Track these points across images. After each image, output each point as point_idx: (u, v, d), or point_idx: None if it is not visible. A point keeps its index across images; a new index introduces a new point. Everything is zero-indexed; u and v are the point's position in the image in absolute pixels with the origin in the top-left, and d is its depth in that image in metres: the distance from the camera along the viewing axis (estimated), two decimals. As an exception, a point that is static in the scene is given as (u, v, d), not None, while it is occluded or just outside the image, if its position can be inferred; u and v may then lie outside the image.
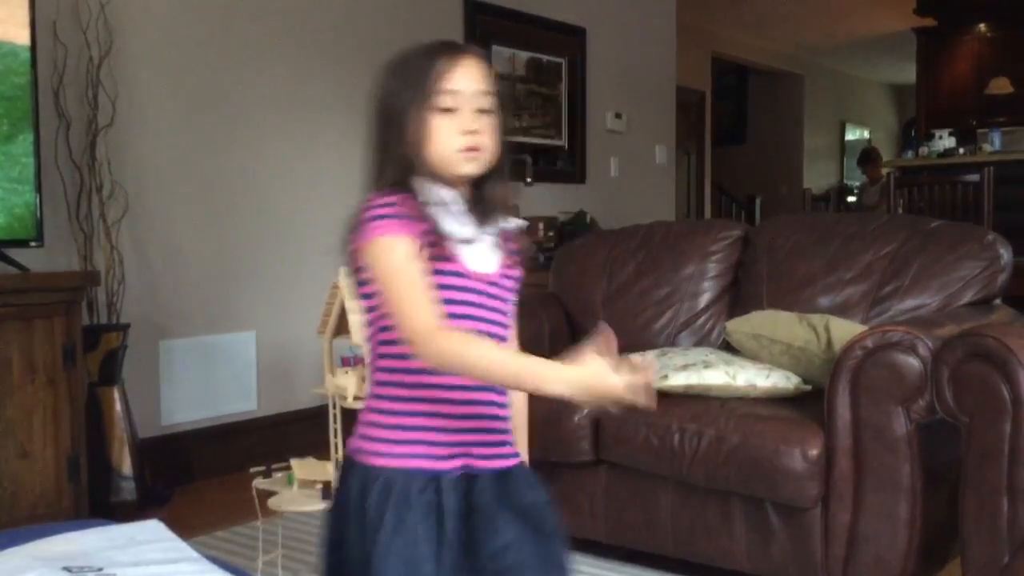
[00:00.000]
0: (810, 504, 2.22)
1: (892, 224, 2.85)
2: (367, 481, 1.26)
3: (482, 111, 1.27)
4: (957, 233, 2.71)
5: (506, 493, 1.28)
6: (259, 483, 2.16)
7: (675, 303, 3.07)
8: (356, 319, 2.06)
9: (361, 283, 1.29)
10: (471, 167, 1.27)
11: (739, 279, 3.05)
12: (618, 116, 5.76)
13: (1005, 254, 2.63)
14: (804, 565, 2.26)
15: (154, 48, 3.49)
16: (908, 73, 9.73)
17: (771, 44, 9.93)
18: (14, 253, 2.85)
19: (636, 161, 5.95)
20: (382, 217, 1.21)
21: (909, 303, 2.62)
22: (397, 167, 1.26)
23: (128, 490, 3.11)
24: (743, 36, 9.36)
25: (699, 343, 2.98)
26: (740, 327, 2.63)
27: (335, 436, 2.15)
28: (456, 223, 1.26)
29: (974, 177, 5.02)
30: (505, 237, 1.32)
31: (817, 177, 10.80)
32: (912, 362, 2.09)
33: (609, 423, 2.49)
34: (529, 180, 4.83)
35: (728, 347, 2.76)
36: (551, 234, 4.68)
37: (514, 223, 1.35)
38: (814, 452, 2.19)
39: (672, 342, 3.00)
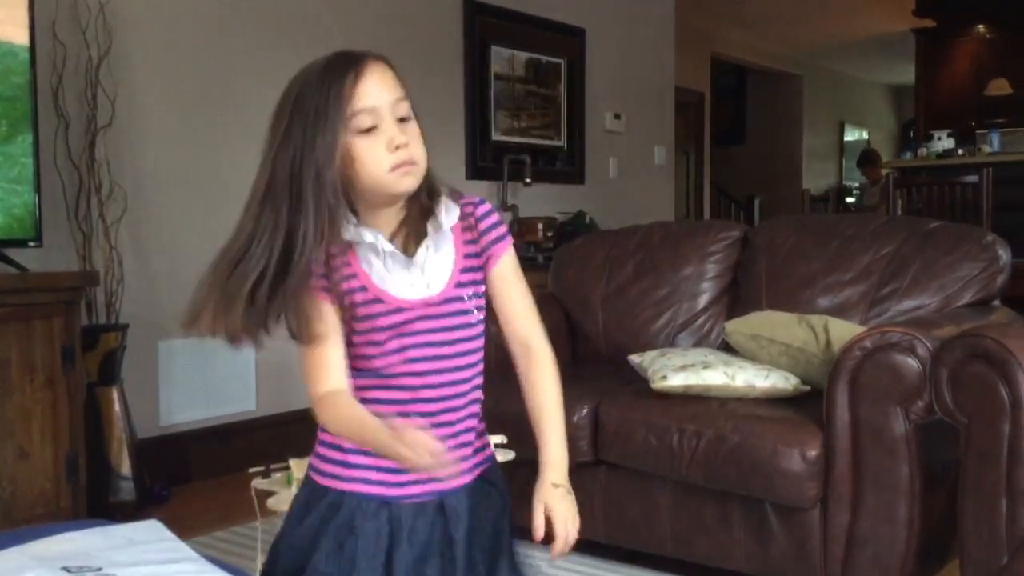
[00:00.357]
0: (809, 505, 2.22)
1: (891, 225, 2.85)
2: (313, 499, 1.24)
3: (403, 120, 1.17)
4: (956, 234, 2.72)
5: (478, 519, 1.25)
6: (258, 483, 2.16)
7: (674, 304, 3.07)
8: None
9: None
10: (408, 182, 1.17)
11: (738, 280, 3.05)
12: (617, 117, 5.76)
13: (1004, 255, 2.63)
14: (803, 566, 2.26)
15: (153, 48, 3.49)
16: (907, 74, 9.74)
17: (770, 45, 9.93)
18: (13, 253, 2.85)
19: (635, 162, 5.95)
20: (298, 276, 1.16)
21: (908, 304, 2.62)
22: (322, 200, 1.14)
23: (127, 490, 3.11)
24: (742, 37, 9.37)
25: (698, 344, 2.98)
26: (739, 328, 2.63)
27: (334, 436, 2.15)
28: (384, 258, 1.19)
29: (973, 178, 5.02)
30: (457, 232, 1.24)
31: (816, 178, 10.81)
32: (911, 363, 2.09)
33: (608, 423, 2.49)
34: (528, 180, 4.83)
35: (727, 348, 2.76)
36: (550, 234, 4.68)
37: (455, 214, 1.24)
38: (813, 453, 2.19)
39: (671, 343, 3.00)
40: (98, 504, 2.95)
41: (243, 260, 1.18)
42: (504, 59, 4.97)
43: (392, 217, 1.22)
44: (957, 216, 4.86)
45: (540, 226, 4.67)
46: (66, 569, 1.27)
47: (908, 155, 8.19)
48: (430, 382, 1.22)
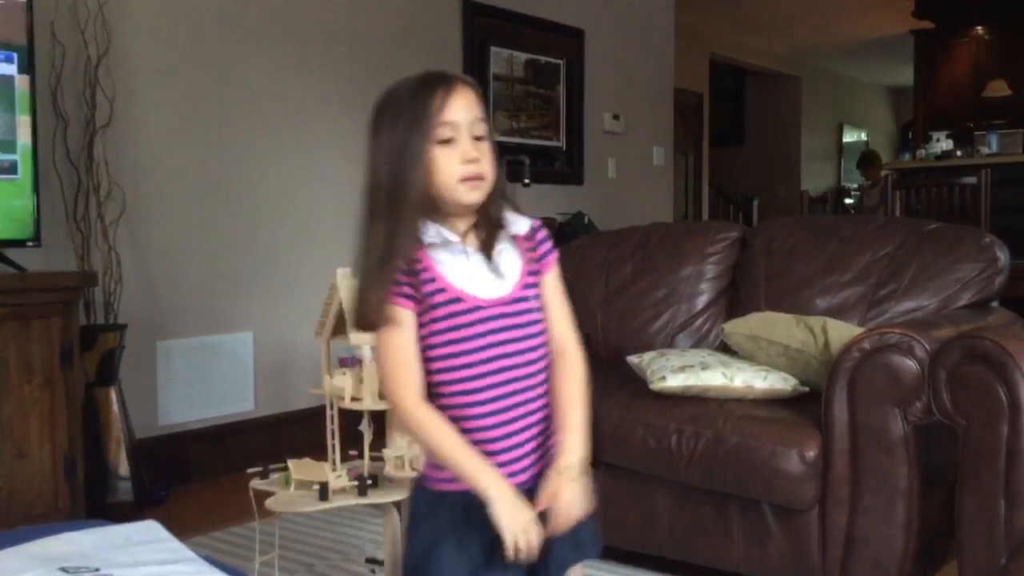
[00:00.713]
0: (807, 506, 2.22)
1: (889, 226, 2.85)
2: (430, 502, 1.35)
3: (478, 138, 1.31)
4: (954, 235, 2.72)
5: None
6: (256, 484, 2.16)
7: (673, 304, 3.07)
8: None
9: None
10: (475, 196, 1.31)
11: (737, 281, 3.05)
12: (616, 117, 5.77)
13: (1002, 256, 2.64)
14: (801, 567, 2.26)
15: (152, 48, 3.49)
16: (906, 75, 9.74)
17: (769, 46, 9.94)
18: (11, 253, 2.84)
19: (634, 162, 5.95)
20: (381, 280, 1.28)
21: (906, 305, 2.62)
22: (409, 210, 1.28)
23: (125, 490, 3.11)
24: (741, 38, 9.37)
25: (697, 344, 2.98)
26: (738, 328, 2.63)
27: (332, 437, 2.15)
28: (461, 259, 1.31)
29: (971, 179, 5.02)
30: (520, 240, 1.37)
31: (815, 179, 10.82)
32: (909, 364, 2.09)
33: (607, 425, 2.49)
34: (527, 181, 4.83)
35: (726, 348, 2.76)
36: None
37: (525, 225, 1.38)
38: (811, 454, 2.19)
39: (670, 343, 3.00)
40: (96, 504, 2.95)
41: (363, 261, 1.32)
42: (503, 60, 4.98)
43: (463, 224, 1.34)
44: (956, 217, 4.86)
45: (539, 227, 4.66)
46: (64, 569, 1.27)
47: (907, 156, 8.20)
48: (508, 377, 1.32)
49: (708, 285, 3.06)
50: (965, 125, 8.11)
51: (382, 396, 2.07)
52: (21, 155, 2.81)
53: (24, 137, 2.81)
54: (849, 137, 11.98)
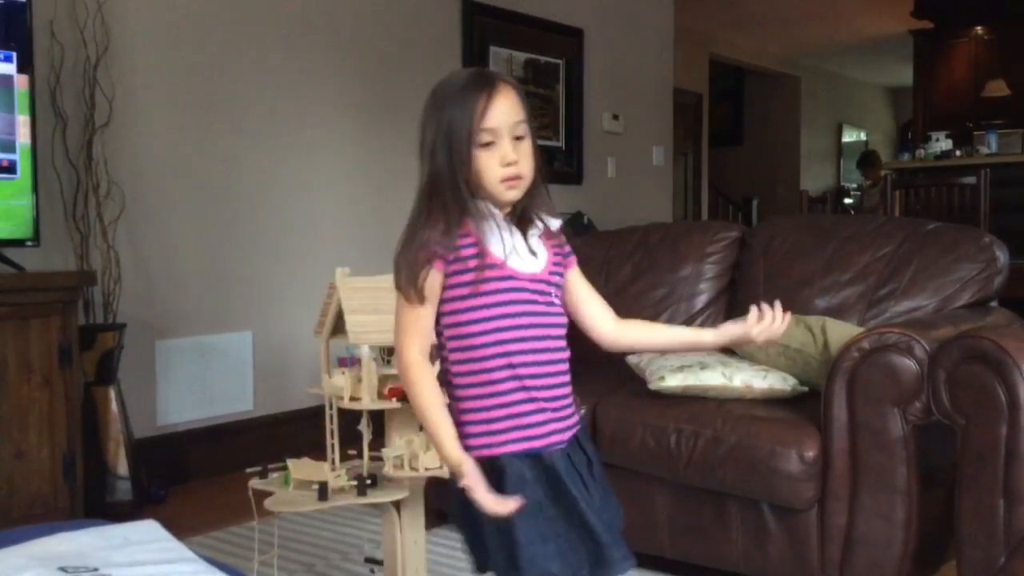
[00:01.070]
0: (806, 505, 2.22)
1: (889, 226, 2.85)
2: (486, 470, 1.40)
3: (518, 138, 1.40)
4: (954, 235, 2.72)
5: (574, 467, 1.44)
6: (255, 483, 2.16)
7: (672, 304, 3.07)
8: (353, 319, 2.05)
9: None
10: (513, 195, 1.41)
11: (736, 280, 3.05)
12: (615, 117, 5.77)
13: (1002, 256, 2.64)
14: (800, 567, 2.26)
15: (151, 47, 3.48)
16: (905, 75, 9.75)
17: (768, 46, 9.94)
18: (10, 253, 2.84)
19: (633, 162, 5.95)
20: (415, 245, 1.37)
21: (906, 305, 2.62)
22: (455, 191, 1.37)
23: (124, 490, 3.11)
24: (740, 38, 9.37)
25: (696, 344, 2.98)
26: (737, 328, 2.62)
27: (332, 436, 2.15)
28: (503, 233, 1.41)
29: (971, 179, 5.02)
30: (548, 236, 1.47)
31: (814, 179, 10.82)
32: (909, 364, 2.09)
33: (606, 424, 2.49)
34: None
35: (725, 348, 2.76)
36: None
37: (554, 222, 1.49)
38: (810, 453, 2.19)
39: (669, 343, 3.00)
40: (95, 504, 2.95)
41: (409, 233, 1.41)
42: (503, 59, 4.98)
43: (503, 210, 1.44)
44: (955, 217, 4.86)
45: (538, 226, 4.66)
46: (63, 569, 1.27)
47: (906, 156, 8.20)
48: (536, 347, 1.40)
49: (707, 285, 3.06)
50: (964, 125, 8.11)
51: (381, 396, 2.07)
52: (20, 154, 2.81)
53: (23, 136, 2.81)
54: (848, 137, 11.98)
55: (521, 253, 1.42)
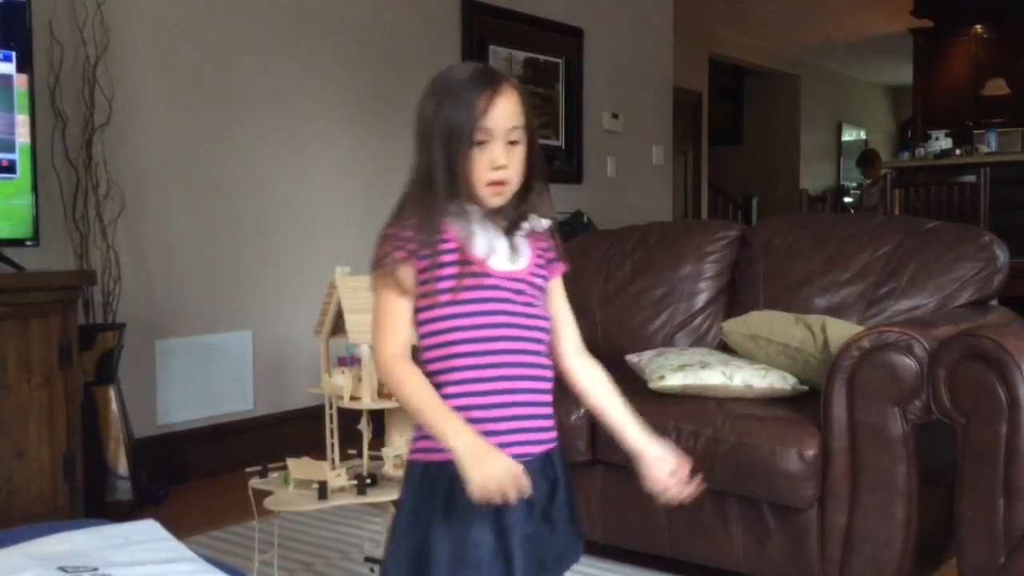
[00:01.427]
0: (806, 505, 2.22)
1: (889, 225, 2.85)
2: (415, 475, 1.36)
3: (512, 143, 1.35)
4: (953, 234, 2.72)
5: (540, 486, 1.37)
6: (255, 483, 2.16)
7: (672, 303, 3.07)
8: (353, 319, 2.05)
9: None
10: (496, 201, 1.36)
11: (736, 279, 3.05)
12: (615, 116, 5.76)
13: (1001, 255, 2.64)
14: (800, 566, 2.26)
15: (150, 47, 3.48)
16: (905, 74, 9.75)
17: (768, 45, 9.94)
18: (10, 252, 2.84)
19: (633, 161, 5.95)
20: (392, 237, 1.33)
21: (905, 304, 2.62)
22: (446, 185, 1.33)
23: (124, 490, 3.11)
24: (740, 37, 9.37)
25: (696, 343, 2.98)
26: (737, 327, 2.63)
27: (331, 436, 2.15)
28: (481, 231, 1.36)
29: (970, 178, 5.02)
30: (535, 238, 1.41)
31: (814, 178, 10.82)
32: (908, 363, 2.09)
33: (606, 423, 2.49)
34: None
35: (725, 347, 2.76)
36: (548, 234, 4.67)
37: (543, 223, 1.43)
38: (810, 453, 2.19)
39: (669, 342, 3.00)
40: (95, 504, 2.95)
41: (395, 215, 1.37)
42: (502, 59, 4.97)
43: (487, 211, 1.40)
44: (955, 216, 4.86)
45: (538, 226, 4.66)
46: (63, 569, 1.27)
47: (906, 155, 8.20)
48: (513, 347, 1.35)
49: (707, 284, 3.06)
50: (964, 124, 8.12)
51: (381, 395, 2.07)
52: (20, 154, 2.81)
53: (23, 136, 2.81)
54: (848, 136, 11.98)
55: (500, 251, 1.37)
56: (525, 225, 1.40)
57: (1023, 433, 1.93)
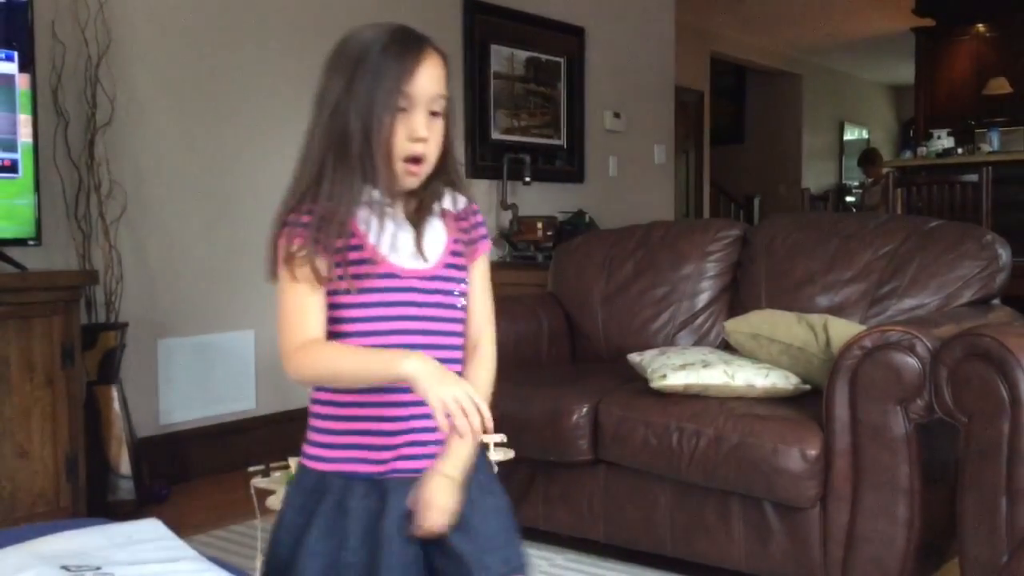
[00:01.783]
0: (808, 504, 2.22)
1: (891, 224, 2.85)
2: (305, 483, 1.29)
3: (434, 113, 1.24)
4: (956, 233, 2.71)
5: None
6: (257, 482, 2.16)
7: (674, 303, 3.07)
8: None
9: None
10: (411, 182, 1.25)
11: (738, 279, 3.05)
12: (617, 116, 5.76)
13: (1004, 254, 2.63)
14: (802, 565, 2.26)
15: (153, 47, 3.48)
16: (907, 73, 9.73)
17: (770, 44, 9.93)
18: (12, 252, 2.84)
19: (635, 161, 5.95)
20: (295, 225, 1.24)
21: (908, 303, 2.62)
22: (362, 160, 1.21)
23: (126, 489, 3.11)
24: (742, 36, 9.37)
25: (698, 343, 2.98)
26: (739, 327, 2.63)
27: (333, 435, 2.14)
28: (387, 223, 1.24)
29: (973, 177, 5.02)
30: (452, 219, 1.31)
31: (816, 177, 10.81)
32: (911, 362, 2.09)
33: (607, 422, 2.49)
34: (528, 180, 4.83)
35: (727, 347, 2.76)
36: (550, 233, 4.68)
37: (460, 203, 1.32)
38: (813, 452, 2.19)
39: (671, 342, 3.00)
40: (97, 503, 2.95)
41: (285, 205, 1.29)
42: (504, 58, 4.97)
43: (399, 193, 1.28)
44: (957, 215, 4.85)
45: (540, 225, 4.67)
46: (65, 568, 1.27)
47: (908, 154, 8.19)
48: (420, 348, 1.23)
49: (709, 283, 3.06)
50: (966, 123, 8.11)
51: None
52: (22, 154, 2.81)
53: (25, 136, 2.81)
54: (850, 135, 11.97)
55: (407, 246, 1.25)
56: (438, 207, 1.29)
57: (1025, 432, 1.92)
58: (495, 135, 4.91)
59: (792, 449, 2.20)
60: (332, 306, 1.25)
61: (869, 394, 2.14)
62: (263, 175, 3.84)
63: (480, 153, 4.83)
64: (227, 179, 3.72)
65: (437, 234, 1.29)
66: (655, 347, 2.89)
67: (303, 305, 1.24)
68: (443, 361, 1.24)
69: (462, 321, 1.30)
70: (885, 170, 7.84)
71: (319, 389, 1.30)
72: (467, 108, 4.78)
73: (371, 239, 1.24)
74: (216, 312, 3.68)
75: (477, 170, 4.81)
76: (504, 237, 4.79)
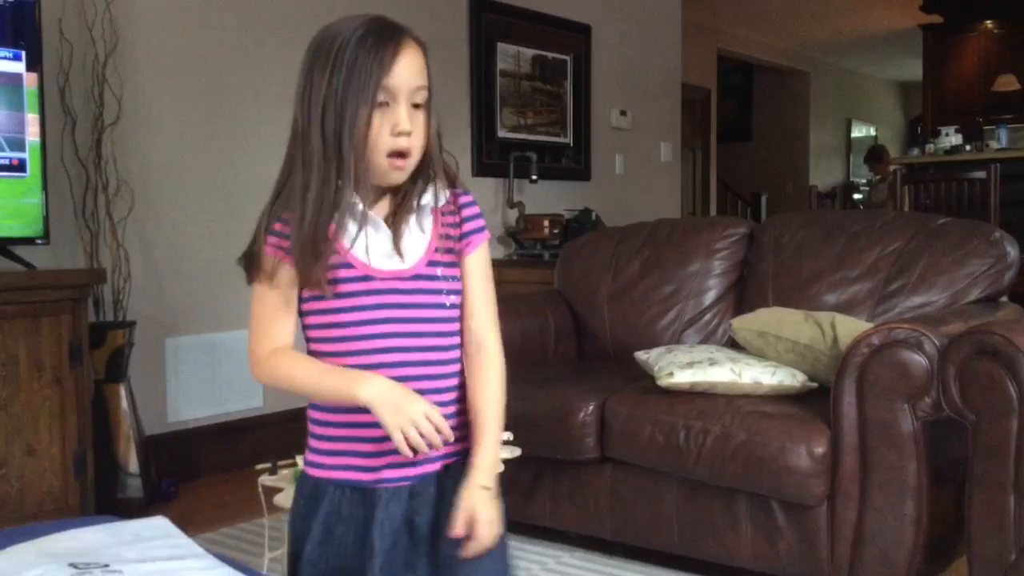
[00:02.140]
0: (816, 502, 2.22)
1: (898, 221, 2.84)
2: (304, 489, 1.29)
3: (416, 106, 1.20)
4: (963, 230, 2.71)
5: (444, 506, 1.25)
6: (265, 480, 2.16)
7: (680, 300, 3.07)
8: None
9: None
10: (396, 177, 1.21)
11: (744, 276, 3.04)
12: (623, 113, 5.76)
13: (1012, 251, 2.63)
14: (810, 563, 2.25)
15: (160, 45, 3.49)
16: (914, 70, 9.71)
17: (776, 41, 9.91)
18: (21, 251, 2.85)
19: (641, 158, 5.94)
20: (270, 232, 1.23)
21: (915, 300, 2.61)
22: (339, 163, 1.18)
23: (134, 487, 3.12)
24: (748, 33, 9.35)
25: (705, 340, 2.98)
26: (746, 324, 2.63)
27: (341, 433, 2.15)
28: (365, 225, 1.21)
29: (980, 174, 5.00)
30: (439, 214, 1.25)
31: (823, 174, 10.79)
32: (918, 359, 2.09)
33: (614, 420, 2.49)
34: (534, 177, 4.83)
35: (734, 344, 2.76)
36: (556, 231, 4.68)
37: (443, 197, 1.25)
38: (820, 450, 2.19)
39: (677, 339, 3.00)
40: (106, 501, 2.96)
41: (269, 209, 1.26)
42: (510, 56, 4.97)
43: (378, 191, 1.25)
44: (965, 212, 4.84)
45: (546, 223, 4.67)
46: (73, 565, 1.28)
47: (915, 151, 8.17)
48: (402, 360, 1.22)
49: (716, 281, 3.06)
50: (974, 120, 8.08)
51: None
52: (30, 153, 2.82)
53: (32, 135, 2.82)
54: (857, 132, 11.94)
55: (385, 247, 1.21)
56: (416, 204, 1.23)
57: (1034, 430, 1.92)
58: (501, 133, 4.91)
59: (799, 447, 2.20)
60: (312, 312, 1.23)
61: (876, 392, 2.13)
62: (271, 173, 3.83)
63: (486, 151, 4.83)
64: (235, 177, 3.72)
65: (417, 232, 1.24)
66: (662, 345, 2.89)
67: (273, 313, 1.23)
68: (435, 363, 1.23)
69: (454, 320, 1.27)
70: (892, 167, 7.81)
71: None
72: (473, 106, 4.78)
73: (346, 242, 1.21)
74: (224, 310, 3.68)
75: (483, 168, 4.81)
76: (511, 235, 4.79)
